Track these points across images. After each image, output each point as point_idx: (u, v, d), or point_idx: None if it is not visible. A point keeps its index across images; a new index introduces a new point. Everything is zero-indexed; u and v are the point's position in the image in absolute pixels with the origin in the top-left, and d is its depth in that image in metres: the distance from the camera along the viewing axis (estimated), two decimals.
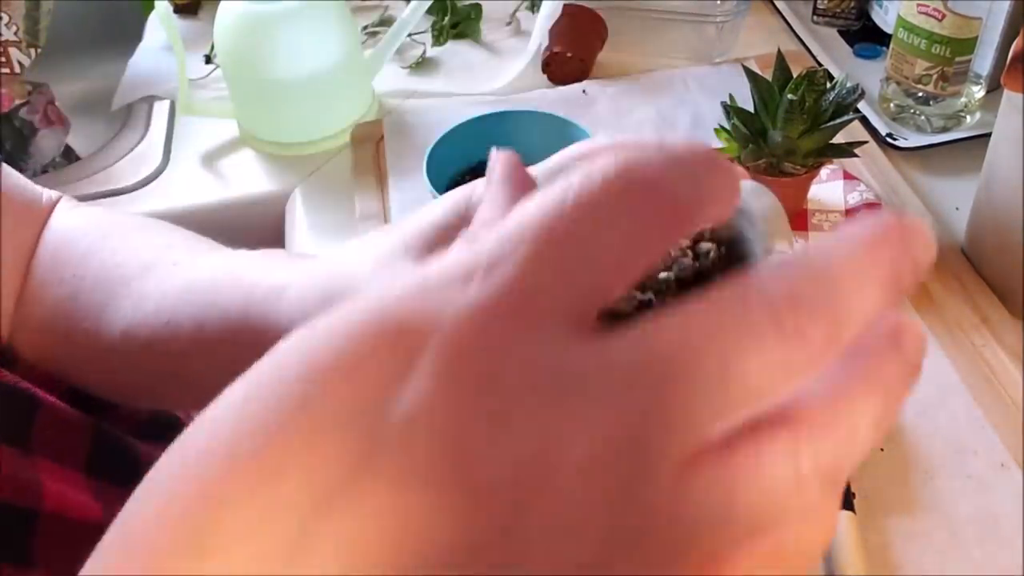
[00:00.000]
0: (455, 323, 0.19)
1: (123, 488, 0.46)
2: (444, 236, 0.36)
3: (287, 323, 0.39)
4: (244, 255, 0.47)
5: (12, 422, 0.43)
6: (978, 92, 0.83)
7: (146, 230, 0.51)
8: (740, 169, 0.34)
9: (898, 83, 0.83)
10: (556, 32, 0.93)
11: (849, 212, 0.75)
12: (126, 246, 0.49)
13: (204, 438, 0.21)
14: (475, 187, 0.36)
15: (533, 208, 0.20)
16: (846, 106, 0.68)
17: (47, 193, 0.51)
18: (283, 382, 0.20)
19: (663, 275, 0.30)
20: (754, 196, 0.31)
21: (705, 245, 0.31)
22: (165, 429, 0.54)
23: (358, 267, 0.37)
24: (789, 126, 0.68)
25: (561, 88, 0.93)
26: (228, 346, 0.43)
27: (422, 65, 1.01)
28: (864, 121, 0.84)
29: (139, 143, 0.95)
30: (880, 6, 0.96)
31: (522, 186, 0.30)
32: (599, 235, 0.19)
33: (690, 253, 0.31)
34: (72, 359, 0.48)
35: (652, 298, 0.29)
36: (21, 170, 0.97)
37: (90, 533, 0.39)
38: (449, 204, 0.37)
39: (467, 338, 0.19)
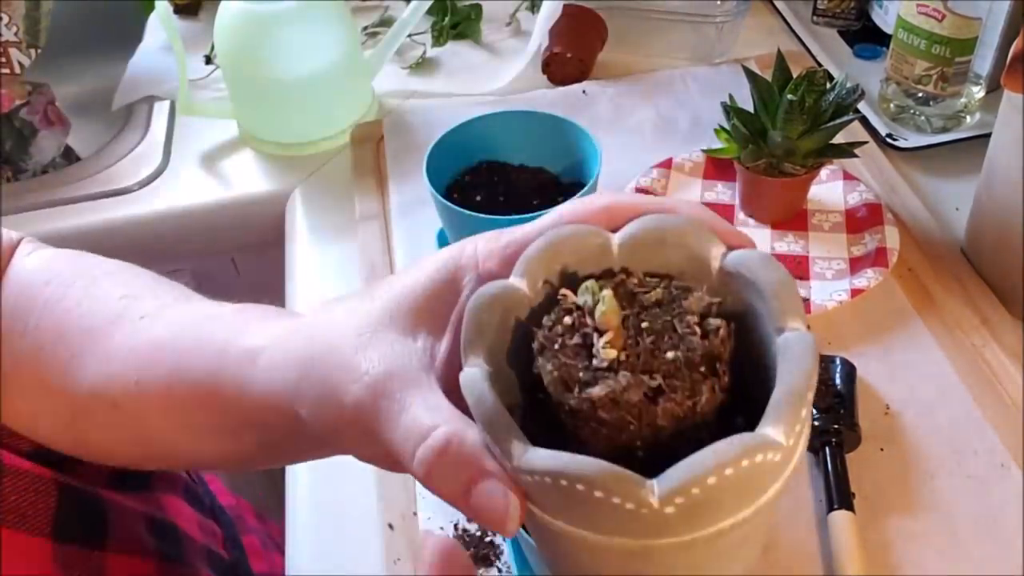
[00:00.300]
0: None
1: (89, 550, 0.45)
2: (433, 298, 0.34)
3: (260, 390, 0.37)
4: (215, 308, 0.44)
5: None
6: (978, 92, 0.83)
7: (111, 276, 0.48)
8: (747, 237, 0.32)
9: (898, 83, 0.83)
10: (556, 32, 0.93)
11: (849, 212, 0.75)
12: (91, 295, 0.46)
13: None
14: (463, 248, 0.34)
15: None
16: (846, 106, 0.68)
17: (7, 234, 0.49)
18: None
19: (671, 355, 0.28)
20: (763, 268, 0.30)
21: (714, 322, 0.29)
22: (133, 476, 0.52)
23: (339, 338, 0.35)
24: (789, 126, 0.68)
25: (561, 88, 0.93)
26: (199, 409, 0.41)
27: (422, 65, 1.01)
28: (864, 121, 0.84)
29: (139, 143, 0.96)
30: (880, 6, 0.96)
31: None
32: None
33: (698, 330, 0.29)
34: (35, 416, 0.45)
35: (661, 383, 0.27)
36: (21, 170, 0.98)
37: None
38: (437, 266, 0.34)
39: None
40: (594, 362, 0.28)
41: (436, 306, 0.34)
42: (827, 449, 0.58)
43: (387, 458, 0.34)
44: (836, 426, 0.58)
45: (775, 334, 0.29)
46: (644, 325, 0.29)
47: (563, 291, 0.31)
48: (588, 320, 0.29)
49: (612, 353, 0.28)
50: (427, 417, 0.31)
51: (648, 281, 0.31)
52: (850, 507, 0.54)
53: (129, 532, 0.48)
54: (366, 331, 0.34)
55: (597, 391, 0.27)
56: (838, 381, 0.61)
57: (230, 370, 0.39)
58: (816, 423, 0.58)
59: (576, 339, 0.29)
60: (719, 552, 0.28)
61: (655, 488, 0.25)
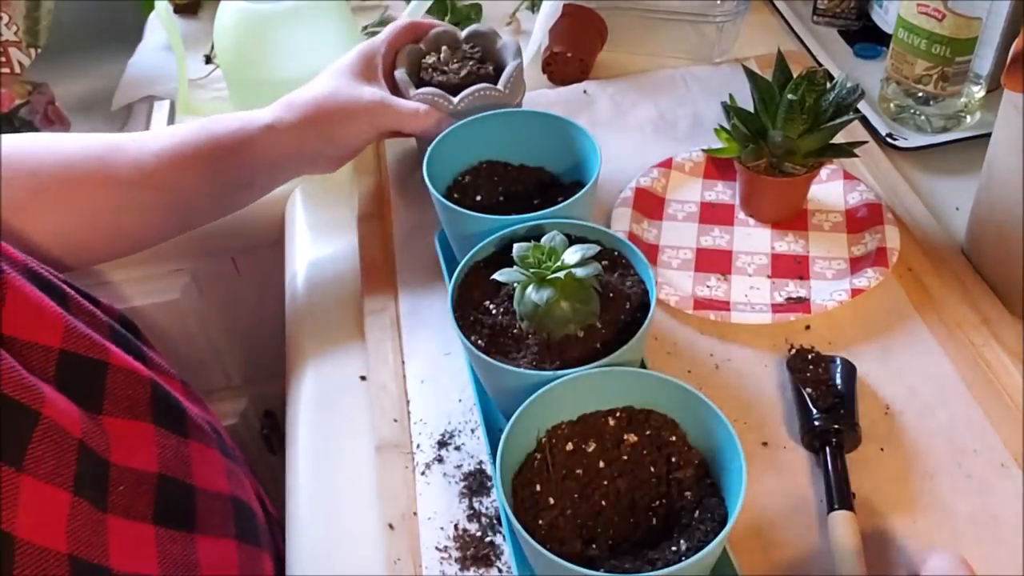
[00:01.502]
0: None
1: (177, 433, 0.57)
2: (368, 61, 0.73)
3: (274, 131, 0.69)
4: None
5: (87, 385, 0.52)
6: (978, 92, 0.83)
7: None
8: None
9: (898, 83, 0.83)
10: (556, 32, 0.93)
11: (849, 212, 0.75)
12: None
13: None
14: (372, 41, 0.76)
15: None
16: (846, 106, 0.68)
17: None
18: None
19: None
20: None
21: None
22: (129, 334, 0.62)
23: (330, 88, 0.71)
24: (789, 126, 0.68)
25: (561, 88, 0.93)
26: (226, 167, 0.68)
27: None
28: (864, 121, 0.84)
29: None
30: (880, 6, 0.96)
31: None
32: None
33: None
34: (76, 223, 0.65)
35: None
36: None
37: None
38: (360, 49, 0.75)
39: None
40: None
41: (374, 65, 0.73)
42: (827, 449, 0.57)
43: (357, 145, 0.74)
44: (836, 426, 0.58)
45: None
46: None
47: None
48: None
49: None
50: (410, 103, 0.72)
51: None
52: (850, 507, 0.54)
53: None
54: (335, 79, 0.72)
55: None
56: (838, 381, 0.61)
57: (250, 128, 0.68)
58: (816, 423, 0.58)
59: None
60: None
61: None
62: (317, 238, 0.82)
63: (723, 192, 0.79)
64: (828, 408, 0.59)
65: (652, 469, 0.52)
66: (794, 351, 0.64)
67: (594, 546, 0.49)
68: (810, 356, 0.63)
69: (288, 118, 0.69)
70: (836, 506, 0.54)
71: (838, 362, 0.62)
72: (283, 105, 0.70)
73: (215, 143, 0.67)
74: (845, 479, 0.56)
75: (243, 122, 0.69)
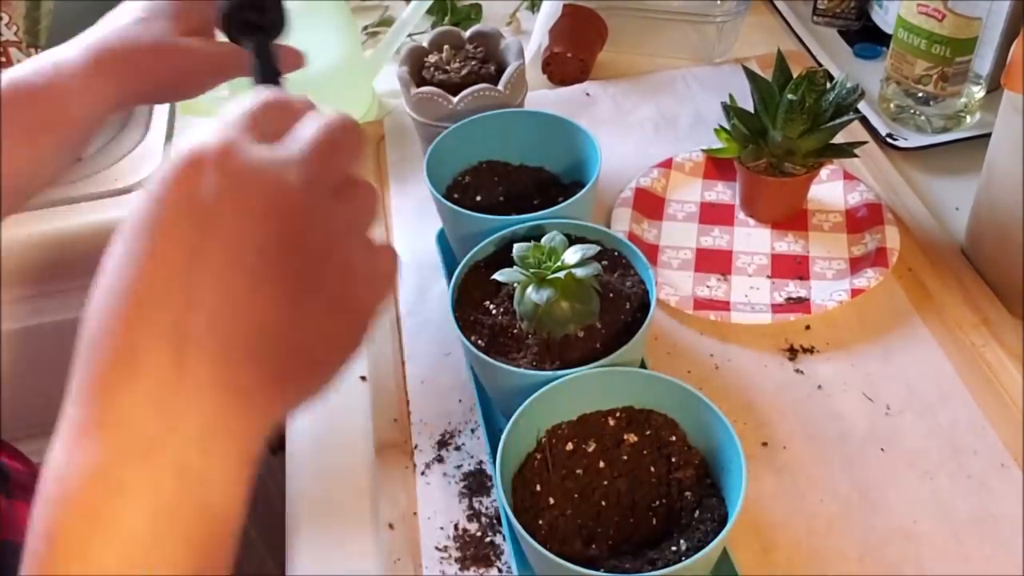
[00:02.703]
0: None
1: None
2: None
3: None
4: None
5: None
6: (978, 92, 0.83)
7: None
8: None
9: (898, 83, 0.83)
10: (556, 32, 0.93)
11: (849, 212, 0.75)
12: None
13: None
14: None
15: None
16: (846, 106, 0.68)
17: None
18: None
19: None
20: None
21: None
22: None
23: (142, 39, 0.63)
24: (789, 126, 0.68)
25: (562, 88, 0.93)
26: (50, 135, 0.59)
27: None
28: (864, 121, 0.84)
29: (139, 143, 0.95)
30: (880, 6, 0.96)
31: None
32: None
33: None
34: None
35: None
36: None
37: None
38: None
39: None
40: None
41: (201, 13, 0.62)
42: (255, 38, 0.51)
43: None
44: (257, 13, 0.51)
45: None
46: None
47: None
48: None
49: None
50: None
51: None
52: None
53: None
54: (171, 29, 0.62)
55: None
56: None
57: (62, 102, 0.61)
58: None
59: None
60: None
61: None
62: None
63: (723, 192, 0.79)
64: None
65: (652, 469, 0.52)
66: None
67: (594, 546, 0.49)
68: None
69: (103, 86, 0.61)
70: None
71: None
72: (94, 63, 0.63)
73: (21, 100, 0.59)
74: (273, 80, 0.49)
75: (49, 95, 0.61)
